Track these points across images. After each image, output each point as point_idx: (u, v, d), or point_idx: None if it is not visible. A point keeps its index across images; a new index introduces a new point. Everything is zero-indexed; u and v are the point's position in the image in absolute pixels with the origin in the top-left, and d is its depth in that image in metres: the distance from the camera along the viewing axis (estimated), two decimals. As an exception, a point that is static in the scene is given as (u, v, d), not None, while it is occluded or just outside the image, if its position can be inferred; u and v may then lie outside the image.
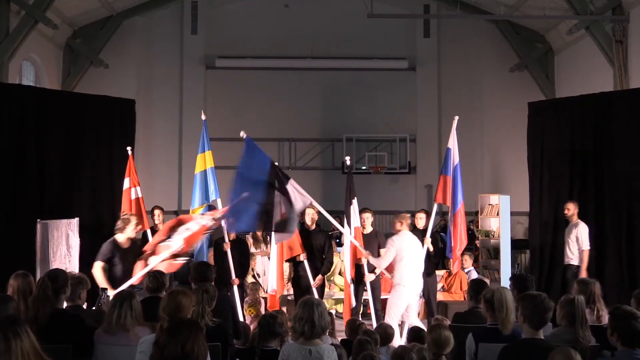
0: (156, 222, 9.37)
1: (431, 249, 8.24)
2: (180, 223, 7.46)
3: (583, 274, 9.07)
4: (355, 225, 8.20)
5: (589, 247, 9.25)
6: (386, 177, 16.54)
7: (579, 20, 13.30)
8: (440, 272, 10.19)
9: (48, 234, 8.53)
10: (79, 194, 10.17)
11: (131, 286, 6.82)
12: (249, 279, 9.61)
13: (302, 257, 8.20)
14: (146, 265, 7.12)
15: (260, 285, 9.82)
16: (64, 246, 8.77)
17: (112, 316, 4.56)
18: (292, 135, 16.88)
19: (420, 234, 8.49)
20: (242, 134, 7.85)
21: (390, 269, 7.93)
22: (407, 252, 7.56)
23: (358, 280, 8.37)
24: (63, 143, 10.08)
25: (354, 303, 8.28)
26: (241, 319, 7.32)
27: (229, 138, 16.19)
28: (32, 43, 13.47)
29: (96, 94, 11.58)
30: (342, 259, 10.26)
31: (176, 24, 16.98)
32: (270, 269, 8.91)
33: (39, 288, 4.69)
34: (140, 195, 8.85)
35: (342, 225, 8.38)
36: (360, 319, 8.25)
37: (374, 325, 7.89)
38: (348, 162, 9.10)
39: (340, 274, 10.57)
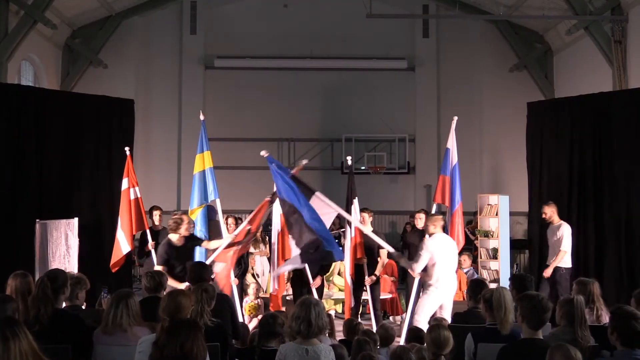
0: (155, 222, 9.37)
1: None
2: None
3: (548, 270, 8.96)
4: (356, 225, 8.21)
5: (567, 250, 8.99)
6: (385, 177, 16.55)
7: (578, 21, 13.30)
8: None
9: (47, 234, 8.54)
10: (78, 194, 10.17)
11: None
12: (249, 279, 9.62)
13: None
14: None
15: (260, 285, 9.83)
16: (63, 246, 8.77)
17: (109, 316, 4.56)
18: (291, 135, 16.88)
19: (419, 234, 8.50)
20: (264, 153, 7.69)
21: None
22: (441, 255, 7.40)
23: (358, 280, 8.37)
24: (62, 143, 10.08)
25: (353, 303, 8.28)
26: (240, 319, 7.33)
27: (229, 138, 16.26)
28: (31, 43, 13.46)
29: (95, 94, 11.58)
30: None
31: (175, 24, 16.98)
32: (271, 268, 8.90)
33: (38, 288, 4.68)
34: (139, 196, 8.85)
35: (343, 226, 8.38)
36: (359, 319, 8.28)
37: (374, 325, 7.90)
38: (349, 162, 9.09)
39: (339, 274, 10.57)
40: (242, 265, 8.61)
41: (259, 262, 10.29)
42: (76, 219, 9.06)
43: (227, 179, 14.49)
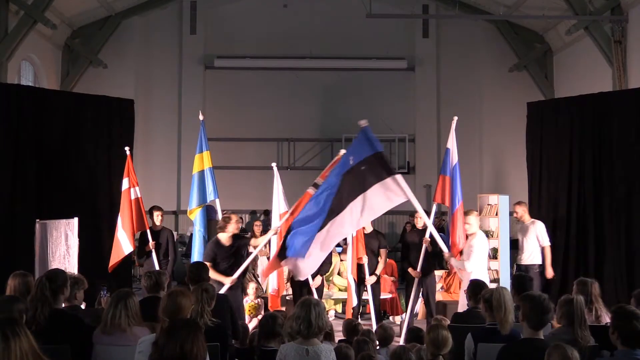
0: (156, 222, 9.34)
1: (430, 249, 8.23)
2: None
3: (548, 270, 9.02)
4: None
5: (549, 244, 9.12)
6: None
7: (577, 21, 13.31)
8: (439, 272, 10.18)
9: (47, 233, 8.52)
10: (78, 193, 10.15)
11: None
12: (252, 279, 9.62)
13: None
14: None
15: (260, 285, 9.82)
16: (63, 246, 8.75)
17: (108, 316, 4.56)
18: (291, 135, 16.88)
19: (419, 233, 8.50)
20: (363, 123, 7.28)
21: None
22: (485, 253, 7.59)
23: (359, 280, 8.38)
24: (62, 143, 10.07)
25: (355, 302, 8.29)
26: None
27: (228, 138, 16.27)
28: (30, 43, 13.46)
29: (95, 94, 11.58)
30: (342, 259, 10.29)
31: (175, 24, 16.98)
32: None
33: (36, 288, 4.69)
34: (139, 195, 8.84)
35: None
36: (359, 319, 8.28)
37: (374, 325, 7.90)
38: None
39: (339, 274, 10.57)
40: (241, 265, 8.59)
41: (259, 262, 10.29)
42: (76, 219, 9.05)
43: (227, 179, 14.50)
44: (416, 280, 8.14)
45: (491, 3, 15.68)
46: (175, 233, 15.18)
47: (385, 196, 6.99)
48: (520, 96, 14.42)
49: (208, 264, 7.22)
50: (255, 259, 10.20)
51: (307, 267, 7.15)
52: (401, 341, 7.60)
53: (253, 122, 16.73)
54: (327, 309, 9.36)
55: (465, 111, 15.13)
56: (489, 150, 16.69)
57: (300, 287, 8.32)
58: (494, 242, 11.83)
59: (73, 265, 8.76)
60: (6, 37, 12.35)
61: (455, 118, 8.44)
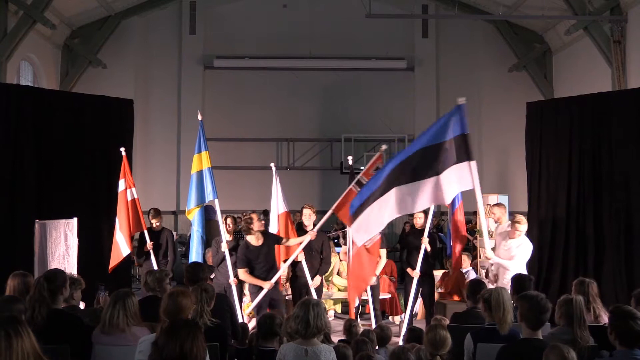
0: (154, 224, 9.31)
1: (429, 249, 8.23)
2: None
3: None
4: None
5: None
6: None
7: (577, 21, 13.31)
8: (438, 273, 10.18)
9: (46, 234, 8.52)
10: (78, 194, 10.14)
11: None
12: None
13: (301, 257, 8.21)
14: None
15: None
16: (62, 246, 8.75)
17: (106, 316, 4.56)
18: (290, 135, 16.89)
19: (418, 233, 8.49)
20: (461, 100, 6.96)
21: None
22: (527, 258, 7.70)
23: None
24: (61, 143, 10.05)
25: (356, 302, 8.29)
26: (240, 319, 7.32)
27: (227, 138, 16.27)
28: (30, 43, 13.46)
29: (94, 93, 11.57)
30: (341, 259, 10.29)
31: (174, 24, 16.99)
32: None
33: (34, 288, 4.69)
34: (135, 196, 8.84)
35: (344, 225, 8.40)
36: (359, 319, 8.28)
37: (373, 325, 7.90)
38: (350, 162, 9.10)
39: (338, 274, 10.57)
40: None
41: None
42: (75, 219, 9.04)
43: (226, 179, 14.50)
44: (415, 280, 8.14)
45: (491, 3, 15.69)
46: (174, 233, 15.20)
47: (457, 179, 6.77)
48: (520, 96, 14.42)
49: (243, 269, 7.49)
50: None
51: (368, 226, 6.92)
52: (400, 341, 7.59)
53: (252, 122, 16.74)
54: (326, 309, 9.34)
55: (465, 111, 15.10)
56: (488, 151, 16.68)
57: (299, 287, 8.32)
58: (493, 242, 11.85)
59: (72, 265, 8.75)
60: (5, 37, 12.35)
61: (454, 118, 8.41)
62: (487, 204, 12.15)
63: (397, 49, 16.92)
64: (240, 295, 8.50)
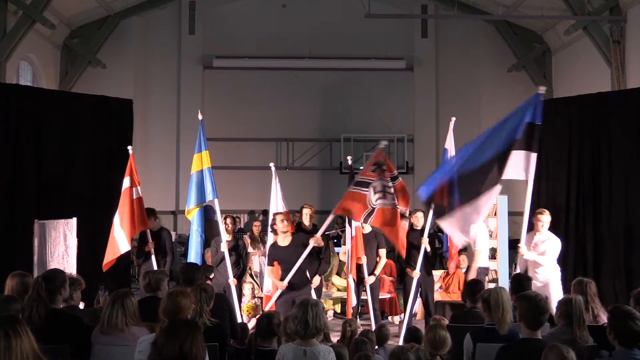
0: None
1: (428, 249, 8.24)
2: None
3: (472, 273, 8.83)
4: (357, 225, 8.21)
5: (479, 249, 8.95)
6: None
7: (576, 21, 13.31)
8: (437, 272, 10.18)
9: (46, 234, 8.52)
10: (77, 193, 10.15)
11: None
12: (247, 279, 9.62)
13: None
14: None
15: (258, 285, 9.83)
16: (61, 246, 8.74)
17: (105, 316, 4.57)
18: (290, 135, 16.88)
19: (417, 233, 8.50)
20: (543, 89, 6.94)
21: None
22: (557, 254, 7.71)
23: (358, 280, 8.38)
24: (60, 143, 10.07)
25: (354, 302, 8.29)
26: (239, 319, 7.33)
27: (227, 138, 16.26)
28: (29, 43, 13.45)
29: (94, 93, 11.58)
30: (340, 259, 10.29)
31: (174, 24, 16.97)
32: (266, 269, 8.88)
33: (32, 288, 4.69)
34: (141, 195, 8.80)
35: (344, 225, 8.40)
36: (358, 319, 8.28)
37: (373, 325, 7.90)
38: (349, 162, 9.10)
39: (338, 274, 10.57)
40: (240, 266, 8.60)
41: (257, 262, 10.29)
42: (74, 219, 9.03)
43: (226, 179, 14.49)
44: (415, 280, 8.15)
45: (490, 3, 15.69)
46: (173, 233, 15.19)
47: (515, 166, 6.70)
48: (519, 96, 14.27)
49: (269, 267, 7.71)
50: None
51: (462, 224, 6.83)
52: (400, 341, 7.59)
53: (252, 122, 16.73)
54: (325, 309, 9.35)
55: (464, 111, 15.11)
56: (487, 150, 16.66)
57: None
58: (493, 242, 11.85)
59: (72, 265, 8.75)
60: (5, 37, 12.35)
61: (453, 119, 8.44)
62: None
63: (397, 49, 16.91)
64: (240, 295, 8.51)
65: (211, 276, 7.75)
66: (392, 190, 7.45)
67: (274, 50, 16.70)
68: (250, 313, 9.19)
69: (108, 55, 16.07)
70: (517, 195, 13.10)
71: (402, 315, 9.48)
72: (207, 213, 9.09)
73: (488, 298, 4.73)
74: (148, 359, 3.29)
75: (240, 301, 8.46)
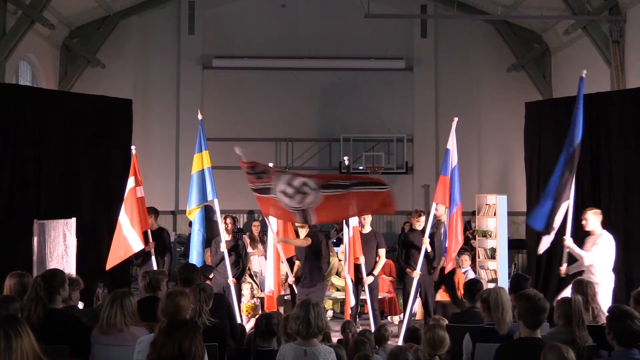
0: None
1: (429, 249, 8.24)
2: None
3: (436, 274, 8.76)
4: (354, 225, 8.22)
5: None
6: (383, 177, 16.54)
7: (576, 21, 13.31)
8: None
9: (45, 234, 8.51)
10: (76, 193, 10.15)
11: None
12: (246, 279, 9.61)
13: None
14: None
15: (257, 285, 9.82)
16: (61, 246, 8.75)
17: (104, 316, 4.57)
18: (289, 135, 16.88)
19: (418, 233, 8.50)
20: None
21: None
22: (612, 254, 7.50)
23: (356, 280, 8.38)
24: (60, 143, 10.06)
25: (353, 302, 8.29)
26: (238, 319, 7.32)
27: (227, 138, 16.23)
28: (29, 43, 13.44)
29: (93, 93, 11.57)
30: (340, 259, 10.29)
31: (173, 24, 16.97)
32: (267, 269, 8.89)
33: (31, 288, 4.69)
34: (143, 195, 8.82)
35: (342, 225, 8.43)
36: (357, 319, 8.28)
37: (372, 325, 7.90)
38: (347, 162, 9.11)
39: (337, 274, 10.57)
40: (239, 266, 8.60)
41: (257, 262, 10.28)
42: (74, 219, 9.04)
43: (225, 179, 14.47)
44: (414, 280, 8.15)
45: (489, 3, 15.69)
46: (173, 233, 15.19)
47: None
48: (519, 96, 14.40)
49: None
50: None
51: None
52: (399, 341, 7.60)
53: (251, 122, 16.72)
54: (325, 309, 9.35)
55: (464, 111, 15.09)
56: (487, 150, 16.69)
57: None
58: (492, 241, 11.86)
59: (71, 265, 8.75)
60: (4, 37, 12.34)
61: (456, 119, 8.43)
62: (486, 204, 12.17)
63: (396, 48, 16.91)
64: (239, 295, 8.51)
65: (210, 276, 7.75)
66: (312, 183, 7.45)
67: (274, 50, 16.70)
68: (249, 313, 9.18)
69: (108, 55, 16.07)
70: (516, 195, 13.15)
71: (402, 315, 9.49)
72: (207, 213, 9.09)
73: (487, 298, 4.73)
74: (147, 358, 3.29)
75: (239, 301, 8.46)
